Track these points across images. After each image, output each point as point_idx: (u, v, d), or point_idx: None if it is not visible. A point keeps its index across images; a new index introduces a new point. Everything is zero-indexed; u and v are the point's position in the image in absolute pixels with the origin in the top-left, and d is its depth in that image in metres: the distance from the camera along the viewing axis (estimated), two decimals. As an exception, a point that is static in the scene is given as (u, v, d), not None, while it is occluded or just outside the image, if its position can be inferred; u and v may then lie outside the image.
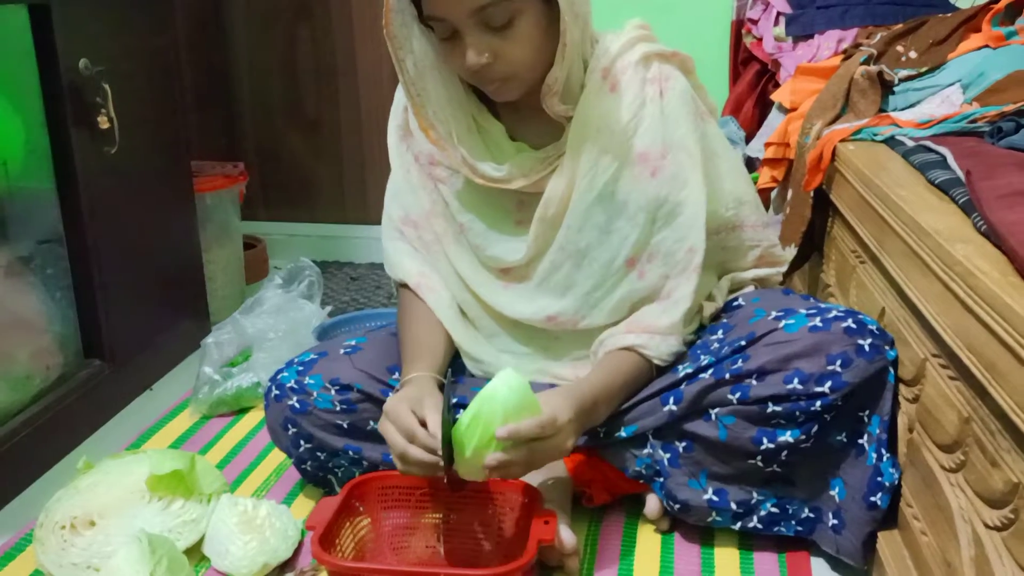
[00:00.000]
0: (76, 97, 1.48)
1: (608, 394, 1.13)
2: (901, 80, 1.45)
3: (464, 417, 0.99)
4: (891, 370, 1.06)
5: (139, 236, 1.70)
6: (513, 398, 0.98)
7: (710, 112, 1.23)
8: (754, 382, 1.08)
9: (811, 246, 1.46)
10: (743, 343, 1.11)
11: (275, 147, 2.56)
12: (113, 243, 1.60)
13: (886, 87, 1.44)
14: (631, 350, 1.16)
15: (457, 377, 1.23)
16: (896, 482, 1.05)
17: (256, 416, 1.59)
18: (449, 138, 1.15)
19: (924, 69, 1.45)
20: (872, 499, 1.06)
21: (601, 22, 1.17)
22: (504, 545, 1.12)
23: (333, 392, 1.21)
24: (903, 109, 1.42)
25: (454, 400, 1.11)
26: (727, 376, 1.10)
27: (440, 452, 1.00)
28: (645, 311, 1.18)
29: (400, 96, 1.26)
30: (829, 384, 1.05)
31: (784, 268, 1.34)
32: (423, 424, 1.03)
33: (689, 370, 1.14)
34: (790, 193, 1.47)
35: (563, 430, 1.02)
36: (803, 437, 1.07)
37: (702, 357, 1.15)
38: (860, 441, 1.08)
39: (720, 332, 1.18)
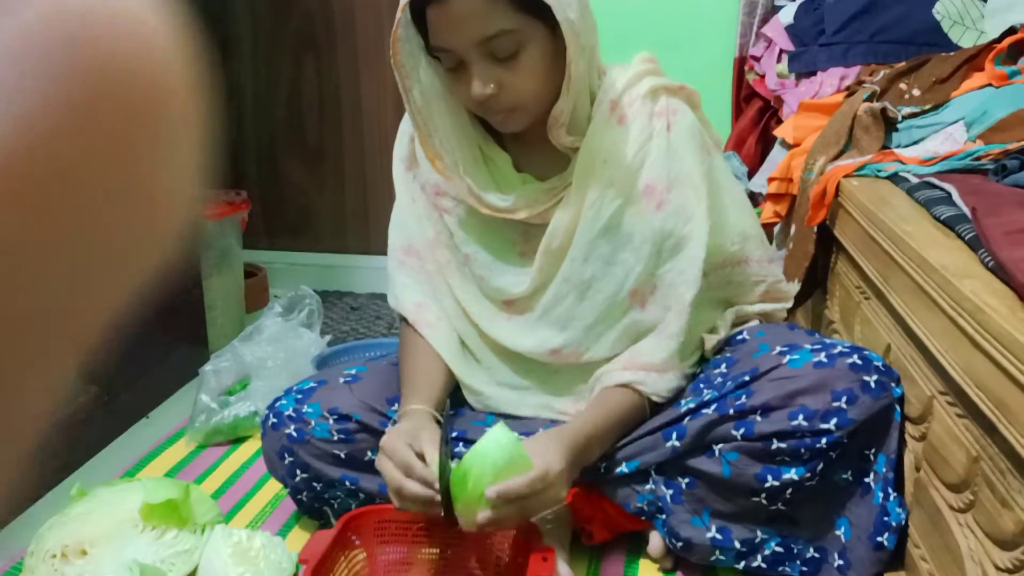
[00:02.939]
0: (80, 123, 1.48)
1: (602, 433, 1.12)
2: (904, 117, 1.45)
3: (455, 473, 0.99)
4: (897, 407, 1.05)
5: (139, 262, 1.70)
6: (502, 456, 0.97)
7: (716, 145, 1.23)
8: (758, 418, 1.07)
9: (814, 282, 1.46)
10: (747, 378, 1.10)
11: (277, 176, 2.56)
12: (113, 269, 1.59)
13: (889, 124, 1.44)
14: (627, 387, 1.15)
15: (456, 410, 1.22)
16: (903, 522, 1.03)
17: (253, 446, 1.58)
18: (455, 168, 1.15)
19: (927, 107, 1.46)
20: (879, 539, 1.04)
21: (606, 56, 1.17)
22: (502, 581, 1.10)
23: (331, 421, 1.20)
24: (906, 146, 1.42)
25: (453, 433, 1.10)
26: (731, 412, 1.09)
27: (437, 487, 0.99)
28: (641, 347, 1.18)
29: (405, 125, 1.26)
30: (835, 421, 1.03)
31: (789, 304, 1.33)
32: (421, 458, 1.02)
33: (691, 404, 1.13)
34: (793, 228, 1.47)
35: (555, 482, 1.00)
36: (808, 475, 1.06)
37: (704, 391, 1.14)
38: (866, 480, 1.07)
39: (723, 366, 1.17)
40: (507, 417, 1.22)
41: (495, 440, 0.98)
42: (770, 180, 1.66)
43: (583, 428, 1.09)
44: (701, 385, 1.17)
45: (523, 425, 1.19)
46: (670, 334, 1.16)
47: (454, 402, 1.21)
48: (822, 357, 1.07)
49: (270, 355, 1.71)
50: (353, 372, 1.27)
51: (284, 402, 1.23)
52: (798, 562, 1.13)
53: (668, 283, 1.16)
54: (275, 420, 1.23)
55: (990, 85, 1.43)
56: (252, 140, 2.54)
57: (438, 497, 0.99)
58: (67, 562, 1.15)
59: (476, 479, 0.97)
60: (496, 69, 1.04)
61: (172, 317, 1.84)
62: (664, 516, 1.17)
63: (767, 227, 1.66)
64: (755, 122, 2.09)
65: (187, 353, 1.87)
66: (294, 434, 1.21)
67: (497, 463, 0.97)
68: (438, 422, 1.11)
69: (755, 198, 1.88)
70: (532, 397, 1.24)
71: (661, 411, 1.16)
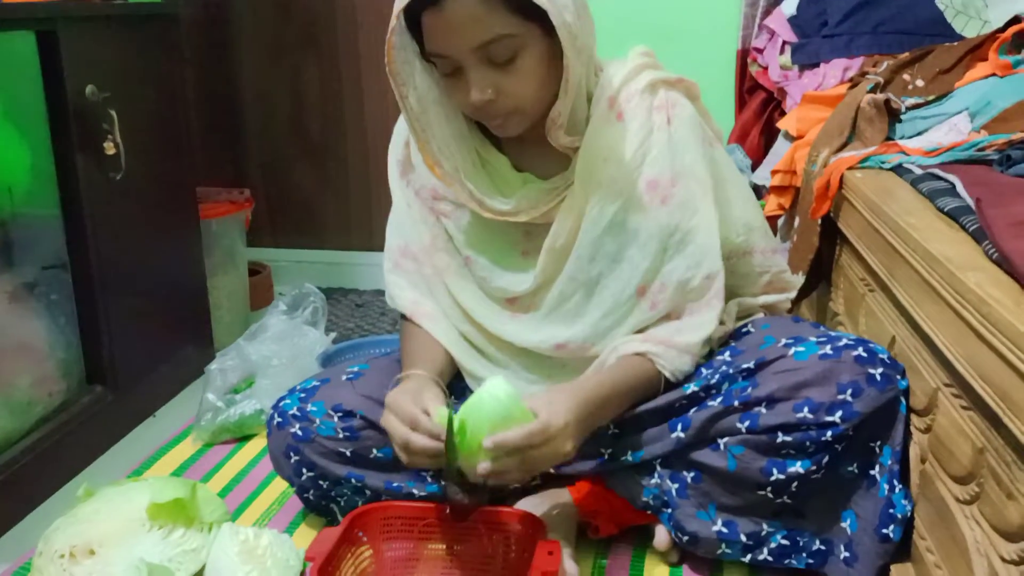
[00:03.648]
0: (82, 123, 1.48)
1: (615, 394, 1.11)
2: (908, 108, 1.44)
3: (455, 425, 0.99)
4: (903, 400, 1.04)
5: (144, 262, 1.70)
6: (498, 408, 0.97)
7: (717, 137, 1.23)
8: (763, 410, 1.07)
9: (819, 274, 1.45)
10: (752, 366, 1.10)
11: (281, 174, 2.56)
12: (118, 269, 1.60)
13: (893, 115, 1.43)
14: (645, 358, 1.14)
15: (458, 402, 1.22)
16: (909, 514, 1.03)
17: (259, 444, 1.58)
18: (456, 173, 1.15)
19: (931, 97, 1.45)
20: (884, 531, 1.04)
21: (606, 51, 1.17)
22: (509, 577, 1.11)
23: (336, 419, 1.20)
24: (910, 137, 1.41)
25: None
26: (736, 403, 1.09)
27: (443, 439, 0.99)
28: (664, 327, 1.17)
29: (400, 130, 1.26)
30: (840, 414, 1.03)
31: (793, 294, 1.32)
32: (426, 415, 1.02)
33: (696, 387, 1.13)
34: (797, 221, 1.46)
35: (559, 435, 0.99)
36: (813, 468, 1.06)
37: (708, 375, 1.14)
38: (872, 472, 1.06)
39: (727, 354, 1.17)
40: None
41: (491, 392, 0.98)
42: (774, 172, 1.66)
43: (597, 388, 1.08)
44: (703, 370, 1.17)
45: None
46: (701, 322, 1.16)
47: (459, 393, 1.21)
48: (827, 350, 1.07)
49: (275, 353, 1.71)
50: (356, 369, 1.28)
51: (288, 401, 1.24)
52: (804, 555, 1.13)
53: (678, 279, 1.15)
54: (280, 419, 1.23)
55: (994, 75, 1.43)
56: (255, 139, 2.55)
57: (444, 448, 0.99)
58: (75, 562, 1.15)
59: (473, 430, 0.97)
60: (493, 74, 1.03)
61: (177, 316, 1.85)
62: (670, 510, 1.17)
63: (771, 219, 1.66)
64: (758, 114, 2.08)
65: (193, 352, 1.87)
66: (299, 433, 1.21)
67: (493, 415, 0.97)
68: (441, 389, 1.11)
69: (759, 190, 1.87)
70: (535, 388, 1.24)
71: (668, 391, 1.16)
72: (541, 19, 1.01)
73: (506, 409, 0.97)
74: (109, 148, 1.52)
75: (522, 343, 1.21)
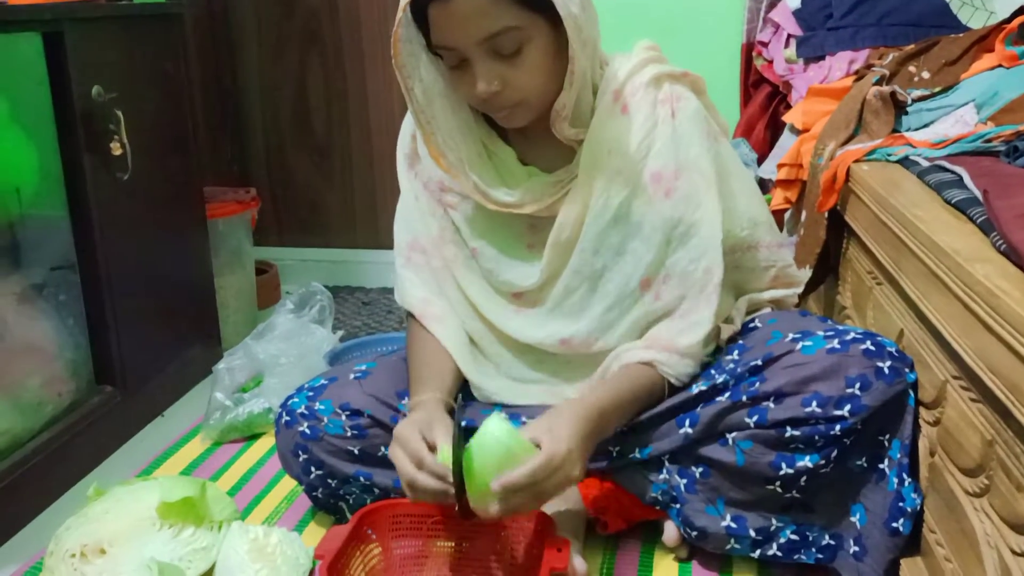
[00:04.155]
0: (89, 123, 1.49)
1: (618, 406, 1.10)
2: (914, 100, 1.44)
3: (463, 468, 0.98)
4: (911, 393, 1.04)
5: (151, 262, 1.71)
6: (499, 450, 0.96)
7: (722, 131, 1.22)
8: (771, 405, 1.07)
9: (826, 268, 1.45)
10: (759, 362, 1.10)
11: (287, 173, 2.57)
12: (125, 269, 1.60)
13: (899, 107, 1.43)
14: (649, 365, 1.14)
15: (467, 401, 1.22)
16: (918, 507, 1.03)
17: (268, 442, 1.59)
18: (460, 165, 1.15)
19: (937, 89, 1.45)
20: (894, 525, 1.04)
21: (611, 45, 1.17)
22: (517, 574, 1.11)
23: (344, 417, 1.20)
24: (916, 129, 1.41)
25: (463, 423, 1.10)
26: (744, 399, 1.09)
27: (450, 479, 0.99)
28: (664, 328, 1.17)
29: (407, 123, 1.26)
30: (848, 407, 1.03)
31: (800, 288, 1.32)
32: (433, 449, 1.02)
33: (703, 387, 1.13)
34: (804, 214, 1.46)
35: (564, 463, 0.98)
36: (822, 462, 1.06)
37: (715, 375, 1.14)
38: (881, 466, 1.06)
39: (735, 352, 1.17)
40: (512, 407, 1.21)
41: (491, 434, 0.97)
42: (780, 166, 1.65)
43: (599, 401, 1.08)
44: (712, 371, 1.16)
45: (529, 412, 1.19)
46: (699, 320, 1.15)
47: (464, 394, 1.21)
48: (835, 343, 1.06)
49: (283, 352, 1.72)
50: (363, 368, 1.28)
51: (296, 400, 1.24)
52: (813, 549, 1.13)
53: (680, 272, 1.16)
54: (288, 418, 1.23)
55: (1000, 66, 1.42)
56: (260, 138, 2.55)
57: (451, 489, 0.99)
58: (86, 561, 1.16)
59: (479, 475, 0.97)
60: (499, 66, 1.03)
61: (185, 316, 1.85)
62: (679, 505, 1.17)
63: (777, 213, 1.66)
64: (764, 108, 2.07)
65: (201, 351, 1.88)
66: (307, 431, 1.21)
67: (496, 456, 0.96)
68: (450, 412, 1.11)
69: (765, 184, 1.87)
70: (539, 386, 1.24)
71: (673, 395, 1.16)
72: (547, 11, 1.01)
73: (507, 448, 0.96)
74: (116, 149, 1.53)
75: (527, 339, 1.21)
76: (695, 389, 1.14)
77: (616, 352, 1.17)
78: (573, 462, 0.99)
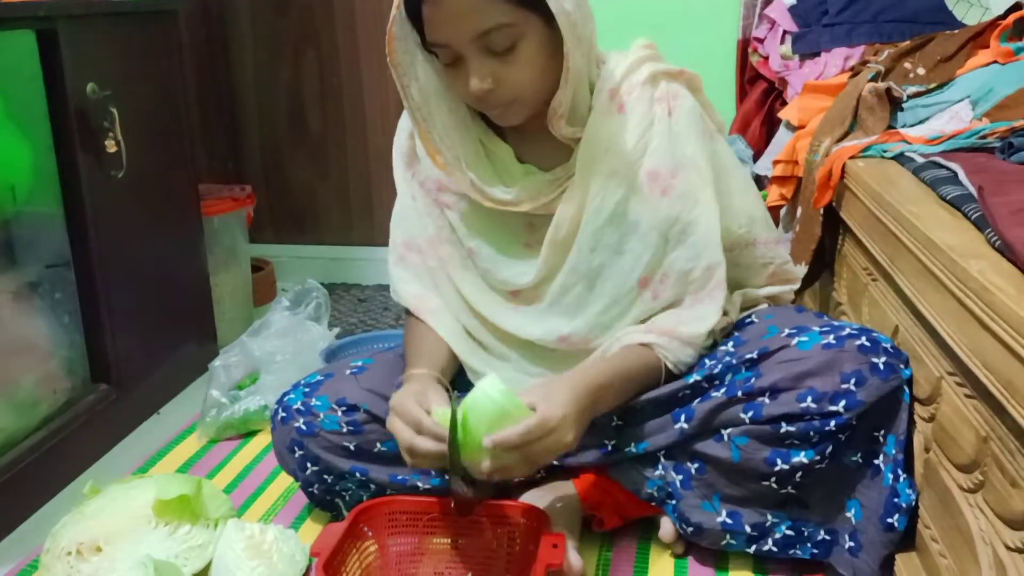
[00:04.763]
0: (83, 121, 1.48)
1: (616, 382, 1.10)
2: (909, 97, 1.44)
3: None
4: (906, 389, 1.04)
5: (147, 260, 1.70)
6: (493, 408, 0.97)
7: (719, 129, 1.22)
8: (767, 400, 1.07)
9: (822, 264, 1.45)
10: (755, 356, 1.10)
11: (282, 170, 2.57)
12: (120, 267, 1.60)
13: (894, 104, 1.43)
14: (648, 347, 1.14)
15: (461, 394, 1.22)
16: (913, 503, 1.03)
17: (264, 439, 1.58)
18: (457, 163, 1.15)
19: (932, 85, 1.45)
20: (889, 521, 1.04)
21: (607, 43, 1.17)
22: (513, 570, 1.11)
23: (340, 413, 1.21)
24: (912, 126, 1.41)
25: (459, 395, 1.10)
26: (739, 394, 1.09)
27: (447, 440, 0.99)
28: (668, 316, 1.17)
29: (404, 122, 1.26)
30: (843, 403, 1.03)
31: (797, 285, 1.32)
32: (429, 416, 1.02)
33: (698, 377, 1.13)
34: (799, 211, 1.46)
35: (558, 427, 0.99)
36: (817, 458, 1.06)
37: (710, 365, 1.14)
38: (876, 461, 1.07)
39: (731, 344, 1.17)
40: None
41: (485, 392, 0.98)
42: (775, 163, 1.65)
43: (596, 376, 1.08)
44: (707, 360, 1.17)
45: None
46: (704, 314, 1.15)
47: (460, 387, 1.21)
48: (830, 339, 1.07)
49: (279, 349, 1.72)
50: (360, 364, 1.28)
51: (292, 396, 1.24)
52: (809, 545, 1.13)
53: (679, 270, 1.16)
54: (284, 414, 1.23)
55: (996, 62, 1.42)
56: (255, 135, 2.55)
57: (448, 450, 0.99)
58: (82, 559, 1.16)
59: (472, 431, 0.97)
60: (493, 63, 1.03)
61: (181, 313, 1.85)
62: (674, 502, 1.17)
63: (773, 210, 1.66)
64: (760, 104, 2.08)
65: (196, 349, 1.88)
66: (303, 427, 1.21)
67: (490, 414, 0.97)
68: (444, 388, 1.11)
69: (761, 181, 1.87)
70: (538, 380, 1.24)
71: (669, 382, 1.16)
72: (540, 8, 1.01)
73: (501, 408, 0.97)
74: (110, 146, 1.52)
75: (525, 336, 1.22)
76: (691, 379, 1.14)
77: (617, 336, 1.17)
78: (567, 427, 1.00)
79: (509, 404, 0.98)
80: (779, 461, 1.07)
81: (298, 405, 1.22)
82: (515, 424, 0.96)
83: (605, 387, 1.08)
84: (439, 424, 1.00)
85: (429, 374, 1.13)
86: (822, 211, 1.35)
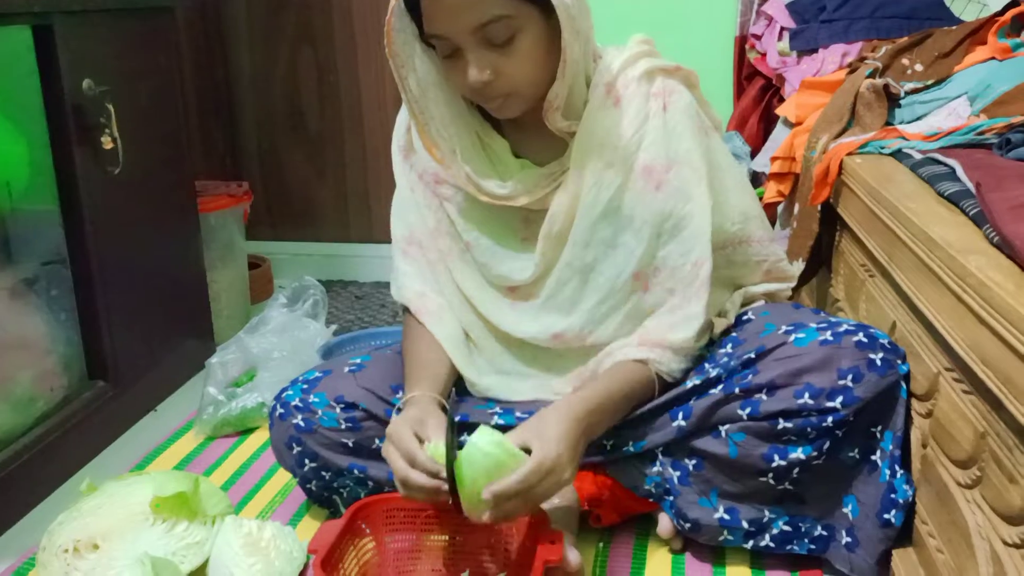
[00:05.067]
0: (80, 117, 1.48)
1: (609, 405, 1.10)
2: (907, 93, 1.44)
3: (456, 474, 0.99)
4: (903, 385, 1.04)
5: (143, 257, 1.70)
6: (489, 461, 0.96)
7: (714, 126, 1.22)
8: (764, 397, 1.07)
9: (819, 260, 1.45)
10: (752, 355, 1.10)
11: (279, 167, 2.56)
12: (117, 264, 1.60)
13: (892, 100, 1.43)
14: (641, 363, 1.14)
15: (460, 397, 1.22)
16: (910, 499, 1.03)
17: (261, 436, 1.58)
18: (453, 156, 1.15)
19: (930, 82, 1.45)
20: (886, 516, 1.04)
21: (605, 39, 1.17)
22: (511, 567, 1.11)
23: (338, 410, 1.20)
24: (909, 122, 1.41)
25: (457, 418, 1.10)
26: (737, 391, 1.09)
27: (443, 475, 0.99)
28: (656, 324, 1.17)
29: (403, 115, 1.26)
30: (840, 399, 1.03)
31: (793, 283, 1.32)
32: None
33: (697, 381, 1.13)
34: (797, 207, 1.46)
35: (555, 467, 0.98)
36: (815, 454, 1.06)
37: (709, 368, 1.14)
38: (873, 457, 1.07)
39: (729, 346, 1.17)
40: (505, 402, 1.21)
41: (478, 448, 0.97)
42: (773, 159, 1.65)
43: (590, 400, 1.07)
44: (706, 365, 1.16)
45: (522, 407, 1.19)
46: (690, 315, 1.15)
47: (458, 389, 1.21)
48: (828, 335, 1.07)
49: (276, 346, 1.71)
50: (358, 361, 1.28)
51: (291, 392, 1.24)
52: (806, 540, 1.13)
53: (671, 265, 1.15)
54: (282, 411, 1.23)
55: (993, 58, 1.42)
56: (252, 132, 2.54)
57: (444, 486, 0.99)
58: (79, 557, 1.16)
59: (470, 486, 0.97)
60: (491, 55, 1.03)
61: (177, 310, 1.85)
62: (672, 498, 1.17)
63: (770, 207, 1.66)
64: (757, 101, 2.08)
65: (193, 346, 1.87)
66: (302, 424, 1.21)
67: (486, 468, 0.96)
68: (443, 409, 1.11)
69: (758, 177, 1.87)
70: (531, 381, 1.24)
71: (666, 390, 1.16)
72: (539, 1, 1.01)
73: (496, 459, 0.96)
74: (107, 142, 1.52)
75: (520, 334, 1.21)
76: (689, 383, 1.14)
77: (608, 349, 1.17)
78: (564, 465, 0.99)
79: (503, 454, 0.97)
80: (776, 457, 1.07)
81: (296, 402, 1.22)
82: (512, 473, 0.96)
83: (597, 413, 1.07)
84: (433, 460, 1.00)
85: (428, 397, 1.12)
86: (820, 207, 1.35)
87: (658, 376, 1.14)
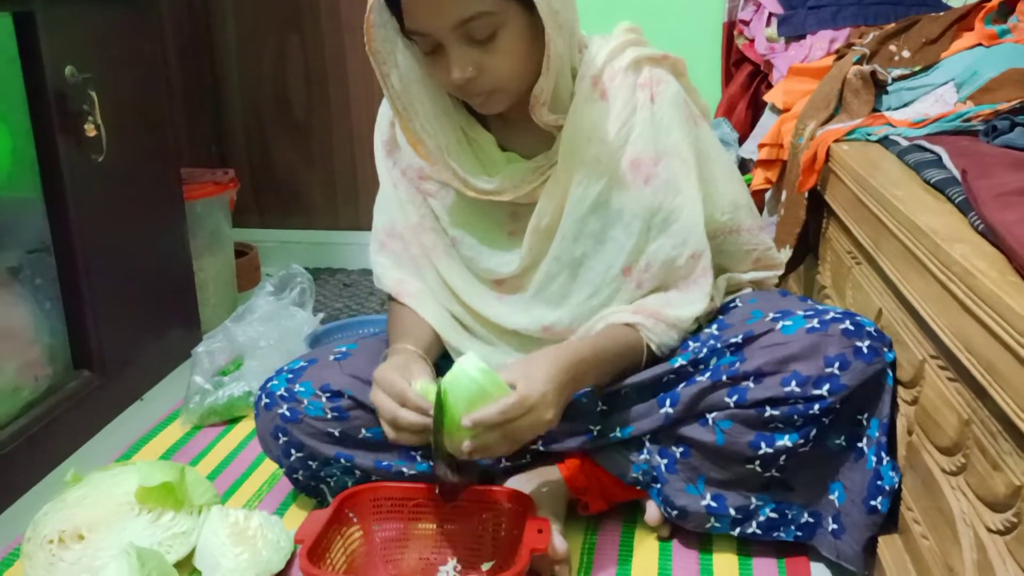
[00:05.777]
0: (62, 105, 1.46)
1: (597, 359, 1.10)
2: (894, 79, 1.44)
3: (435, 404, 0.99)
4: (889, 372, 1.05)
5: (129, 245, 1.69)
6: (472, 387, 0.97)
7: (703, 114, 1.21)
8: (751, 384, 1.07)
9: (806, 248, 1.45)
10: (740, 339, 1.10)
11: (266, 154, 2.55)
12: (102, 252, 1.59)
13: (879, 87, 1.43)
14: (632, 328, 1.14)
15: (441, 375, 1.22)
16: (896, 486, 1.04)
17: (248, 426, 1.58)
18: (439, 152, 1.13)
19: (917, 68, 1.45)
20: (872, 503, 1.05)
21: (591, 27, 1.16)
22: (499, 555, 1.11)
23: (324, 399, 1.20)
24: (896, 109, 1.41)
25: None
26: (724, 378, 1.09)
27: (431, 414, 0.99)
28: (655, 299, 1.17)
29: (385, 110, 1.24)
30: (827, 387, 1.03)
31: (780, 271, 1.32)
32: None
33: (683, 360, 1.13)
34: (784, 194, 1.46)
35: (538, 405, 0.99)
36: (801, 441, 1.06)
37: (694, 348, 1.14)
38: (859, 444, 1.07)
39: (715, 327, 1.17)
40: None
41: (464, 371, 0.97)
42: (760, 146, 1.65)
43: (577, 352, 1.07)
44: (691, 342, 1.17)
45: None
46: (690, 300, 1.15)
47: (441, 373, 1.21)
48: (814, 323, 1.07)
49: (263, 335, 1.71)
50: (343, 349, 1.27)
51: (276, 382, 1.23)
52: (793, 527, 1.14)
53: (664, 259, 1.15)
54: (268, 401, 1.22)
55: (980, 45, 1.42)
56: (239, 119, 2.53)
57: (431, 423, 0.99)
58: (64, 547, 1.15)
59: (451, 411, 0.97)
60: (474, 52, 1.02)
61: (163, 299, 1.84)
62: (659, 485, 1.18)
63: (758, 193, 1.66)
64: (745, 87, 2.07)
65: (179, 334, 1.87)
66: (287, 414, 1.21)
67: (469, 393, 0.97)
68: (427, 364, 1.11)
69: (746, 164, 1.87)
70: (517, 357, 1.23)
71: (652, 368, 1.16)
72: None
73: (480, 386, 0.97)
74: (90, 130, 1.50)
75: (510, 325, 1.21)
76: (676, 362, 1.14)
77: (602, 314, 1.17)
78: (547, 405, 1.00)
79: (488, 382, 0.97)
80: (763, 444, 1.08)
81: (281, 391, 1.21)
82: (495, 402, 0.96)
83: (586, 362, 1.07)
84: (423, 397, 1.00)
85: (413, 350, 1.13)
86: (807, 194, 1.35)
87: (647, 348, 1.14)
